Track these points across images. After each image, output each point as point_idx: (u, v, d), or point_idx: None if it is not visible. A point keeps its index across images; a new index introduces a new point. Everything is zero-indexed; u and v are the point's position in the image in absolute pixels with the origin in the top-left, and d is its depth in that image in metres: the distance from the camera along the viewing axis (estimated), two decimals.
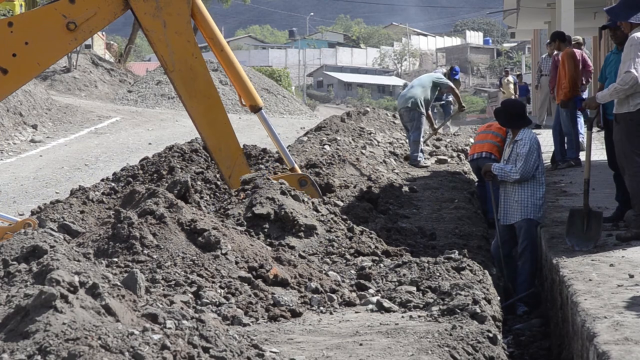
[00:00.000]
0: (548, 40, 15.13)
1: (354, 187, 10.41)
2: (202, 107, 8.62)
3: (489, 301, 6.07)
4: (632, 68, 7.20)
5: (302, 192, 8.53)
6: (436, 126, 16.70)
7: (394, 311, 5.85)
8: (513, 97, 28.73)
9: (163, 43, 8.37)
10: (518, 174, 8.40)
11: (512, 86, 29.85)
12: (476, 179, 12.17)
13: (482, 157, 10.70)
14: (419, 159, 14.29)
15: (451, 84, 15.07)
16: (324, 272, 6.67)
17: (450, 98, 19.86)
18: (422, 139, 14.48)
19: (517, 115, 8.65)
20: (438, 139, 16.63)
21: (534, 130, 12.08)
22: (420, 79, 14.95)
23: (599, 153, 12.68)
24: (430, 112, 15.54)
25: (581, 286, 6.14)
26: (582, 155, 11.51)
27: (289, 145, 13.57)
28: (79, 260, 4.27)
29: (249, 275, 6.06)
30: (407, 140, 15.18)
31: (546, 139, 15.62)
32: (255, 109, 8.90)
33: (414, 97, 14.20)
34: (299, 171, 9.25)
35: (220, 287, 5.83)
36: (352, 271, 6.90)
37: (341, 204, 9.44)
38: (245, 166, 8.92)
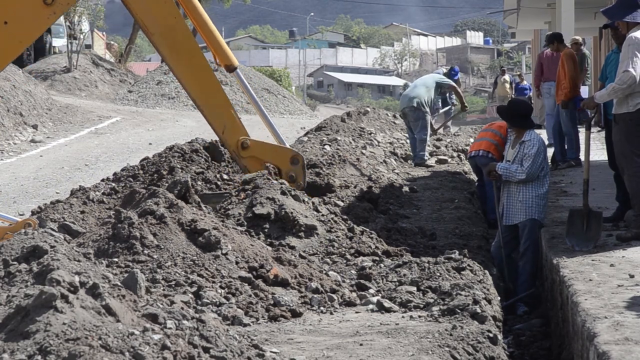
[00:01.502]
0: (545, 43, 15.17)
1: (354, 187, 10.42)
2: (187, 66, 8.77)
3: (489, 301, 6.07)
4: (630, 67, 7.21)
5: (290, 170, 8.84)
6: (436, 127, 16.67)
7: (394, 311, 5.85)
8: (509, 96, 28.73)
9: (141, 6, 8.45)
10: (524, 174, 8.40)
11: (507, 85, 29.83)
12: (476, 179, 12.16)
13: (479, 155, 10.71)
14: (425, 157, 14.31)
15: (453, 83, 15.07)
16: (324, 272, 6.67)
17: (454, 99, 19.82)
18: (427, 138, 14.49)
19: (524, 115, 8.65)
20: (438, 139, 16.62)
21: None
22: (423, 78, 14.94)
23: (599, 153, 12.68)
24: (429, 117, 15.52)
25: (581, 286, 6.14)
26: (582, 156, 11.50)
27: (290, 145, 13.57)
28: (79, 261, 4.27)
29: (249, 275, 6.07)
30: (409, 141, 15.16)
31: (547, 139, 15.62)
32: (230, 68, 9.03)
33: (419, 97, 14.19)
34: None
35: (221, 287, 5.83)
36: (353, 271, 6.90)
37: (341, 204, 9.45)
38: (236, 120, 9.09)
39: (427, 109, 14.32)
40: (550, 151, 13.75)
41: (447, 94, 19.20)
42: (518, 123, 8.64)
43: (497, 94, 29.97)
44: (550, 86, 15.79)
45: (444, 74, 19.27)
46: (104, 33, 47.16)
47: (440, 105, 19.55)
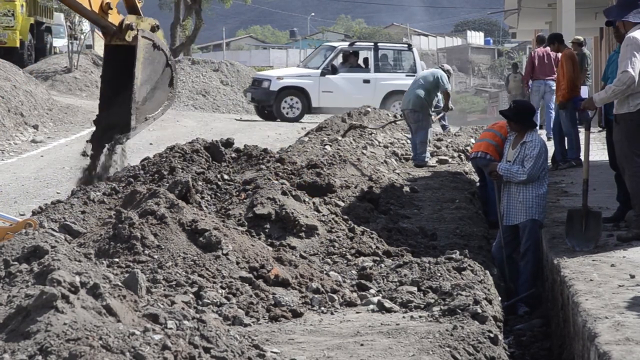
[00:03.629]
0: (545, 43, 15.22)
1: (355, 187, 10.41)
2: None
3: (490, 301, 6.07)
4: (628, 67, 7.20)
5: None
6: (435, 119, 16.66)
7: (395, 311, 5.85)
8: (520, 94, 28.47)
9: None
10: (526, 175, 8.38)
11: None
12: (477, 179, 12.16)
13: (478, 157, 10.73)
14: (426, 159, 14.31)
15: (449, 89, 14.96)
16: (325, 272, 6.67)
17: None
18: (428, 139, 14.49)
19: (527, 116, 8.64)
20: (439, 139, 16.61)
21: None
22: (423, 77, 14.82)
23: (600, 153, 12.67)
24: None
25: (582, 286, 6.14)
26: (583, 156, 11.49)
27: (290, 146, 13.57)
28: (80, 261, 4.27)
29: (250, 275, 6.07)
30: (409, 141, 15.15)
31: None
32: None
33: (419, 99, 14.18)
34: None
35: (221, 287, 5.84)
36: (353, 271, 6.91)
37: (342, 204, 9.45)
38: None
39: (429, 110, 14.29)
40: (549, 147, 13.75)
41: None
42: (522, 123, 8.63)
43: (510, 91, 29.62)
44: (540, 84, 16.15)
45: None
46: None
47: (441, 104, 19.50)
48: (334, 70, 24.92)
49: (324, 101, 24.64)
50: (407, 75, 25.11)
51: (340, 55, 25.68)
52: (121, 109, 11.03)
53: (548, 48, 16.50)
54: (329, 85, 24.71)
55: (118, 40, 11.26)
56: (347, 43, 27.75)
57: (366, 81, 24.90)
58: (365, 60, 25.62)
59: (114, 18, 11.18)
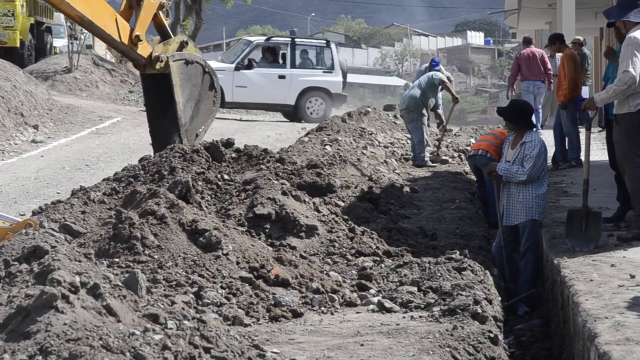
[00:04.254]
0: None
1: (355, 187, 10.41)
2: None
3: (490, 301, 6.07)
4: (629, 67, 7.20)
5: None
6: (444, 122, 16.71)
7: (395, 311, 5.85)
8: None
9: None
10: (525, 175, 8.37)
11: None
12: (475, 179, 12.17)
13: (478, 155, 10.78)
14: (425, 158, 14.35)
15: (444, 77, 15.00)
16: (325, 272, 6.67)
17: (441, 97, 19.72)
18: (425, 138, 14.52)
19: (526, 115, 8.62)
20: (439, 139, 16.62)
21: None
22: (421, 79, 15.03)
23: (600, 153, 12.68)
24: (440, 110, 15.66)
25: (582, 286, 6.14)
26: (583, 156, 11.50)
27: (290, 146, 13.57)
28: (80, 261, 4.27)
29: (250, 275, 6.07)
30: (410, 142, 15.19)
31: (547, 139, 15.61)
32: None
33: (413, 99, 14.31)
34: None
35: (222, 287, 5.84)
36: (353, 271, 6.91)
37: (342, 204, 9.45)
38: (124, 22, 11.09)
39: (424, 111, 14.36)
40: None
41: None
42: (519, 123, 8.62)
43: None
44: (529, 85, 16.46)
45: (425, 68, 19.25)
46: None
47: (441, 103, 19.48)
48: (249, 65, 24.32)
49: (238, 96, 23.99)
50: (324, 72, 24.55)
51: (260, 50, 25.31)
52: (171, 136, 11.48)
53: (534, 48, 16.69)
54: (243, 80, 24.03)
55: (151, 69, 11.67)
56: (264, 38, 27.19)
57: (282, 77, 24.29)
58: (284, 55, 25.11)
59: (144, 50, 11.48)
